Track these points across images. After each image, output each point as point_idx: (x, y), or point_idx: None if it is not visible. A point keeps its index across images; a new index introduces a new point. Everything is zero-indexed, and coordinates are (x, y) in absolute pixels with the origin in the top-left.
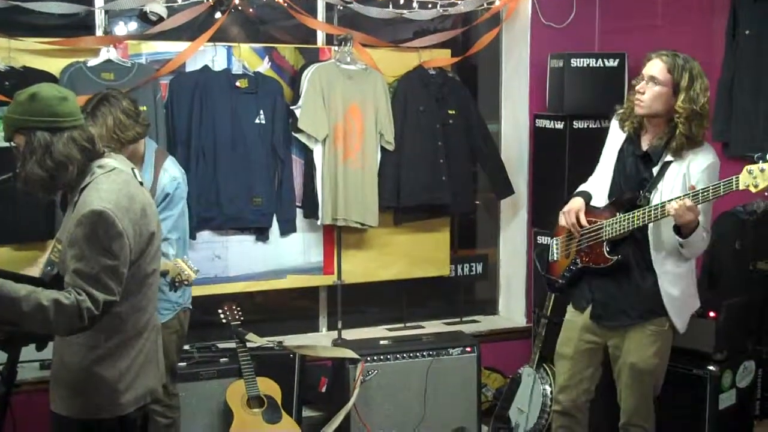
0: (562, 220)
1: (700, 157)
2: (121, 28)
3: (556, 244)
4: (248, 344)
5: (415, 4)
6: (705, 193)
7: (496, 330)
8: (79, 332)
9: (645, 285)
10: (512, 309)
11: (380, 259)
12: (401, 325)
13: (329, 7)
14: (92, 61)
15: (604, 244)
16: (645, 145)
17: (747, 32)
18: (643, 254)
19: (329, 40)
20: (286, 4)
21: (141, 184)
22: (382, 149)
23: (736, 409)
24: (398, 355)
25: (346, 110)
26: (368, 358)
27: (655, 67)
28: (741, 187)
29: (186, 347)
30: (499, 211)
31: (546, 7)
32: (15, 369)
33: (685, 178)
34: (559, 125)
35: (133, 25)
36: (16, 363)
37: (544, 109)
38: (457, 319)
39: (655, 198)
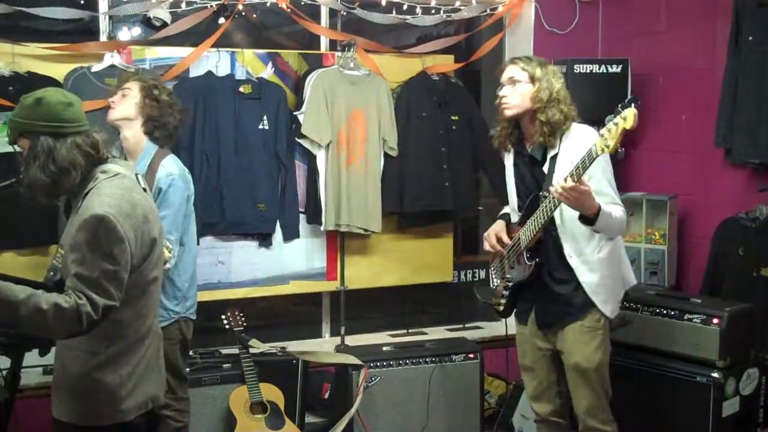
0: (485, 245)
1: (575, 137)
2: (125, 34)
3: (493, 271)
4: (251, 350)
5: (418, 10)
6: (577, 169)
7: (499, 336)
8: (77, 336)
9: (567, 284)
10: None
11: (383, 265)
12: (404, 331)
13: (333, 13)
14: (96, 67)
15: (524, 253)
16: (529, 149)
17: (750, 38)
18: (558, 252)
19: (333, 45)
20: (289, 10)
21: (144, 190)
22: (386, 155)
23: (739, 416)
24: (401, 362)
25: (349, 116)
26: (371, 365)
27: (511, 70)
28: (599, 153)
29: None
30: None
31: (549, 13)
32: (18, 374)
33: (572, 163)
34: None
35: (137, 31)
36: (19, 368)
37: None
38: (460, 326)
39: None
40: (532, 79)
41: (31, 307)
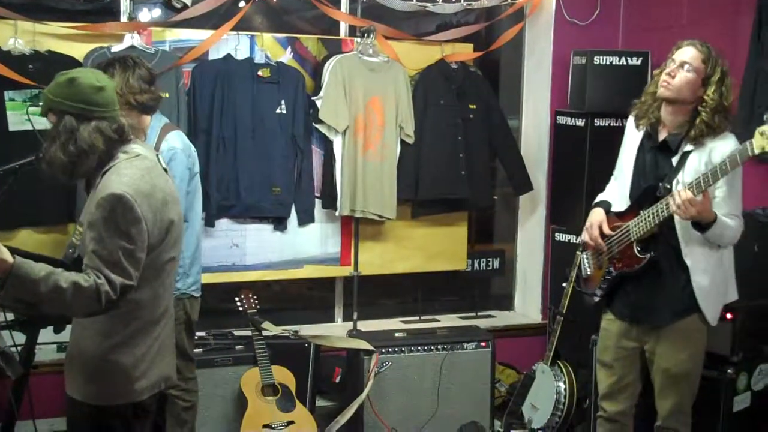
0: (586, 237)
1: (723, 143)
2: (145, 15)
3: (587, 258)
4: (264, 332)
5: None
6: (723, 167)
7: (511, 325)
8: (95, 315)
9: (677, 281)
10: (528, 305)
11: (397, 252)
12: (416, 317)
13: None
14: (116, 47)
15: (634, 245)
16: (663, 136)
17: None
18: (673, 248)
19: (352, 31)
20: None
21: (165, 171)
22: (402, 142)
23: (751, 412)
24: (413, 348)
25: (367, 102)
26: (383, 350)
27: (689, 53)
28: (757, 151)
29: (202, 334)
30: (517, 206)
31: (570, 3)
32: (33, 350)
33: (707, 166)
34: (580, 122)
35: (157, 12)
36: (34, 345)
37: (565, 106)
38: (473, 314)
39: (676, 189)
40: (706, 79)
41: (50, 285)
